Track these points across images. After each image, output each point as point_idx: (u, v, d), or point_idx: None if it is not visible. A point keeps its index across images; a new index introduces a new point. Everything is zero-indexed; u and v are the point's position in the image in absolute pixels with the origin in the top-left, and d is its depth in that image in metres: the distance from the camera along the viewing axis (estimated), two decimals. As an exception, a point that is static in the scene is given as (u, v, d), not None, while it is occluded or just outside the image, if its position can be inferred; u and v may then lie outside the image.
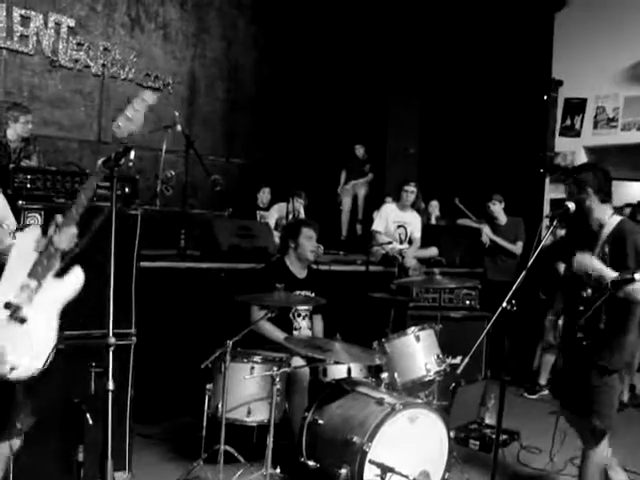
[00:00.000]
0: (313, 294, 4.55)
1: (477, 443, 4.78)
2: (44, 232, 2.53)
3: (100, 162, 2.57)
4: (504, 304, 3.11)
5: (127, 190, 4.04)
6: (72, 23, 7.99)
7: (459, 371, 3.16)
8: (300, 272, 4.70)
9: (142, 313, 3.96)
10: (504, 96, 8.81)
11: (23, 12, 7.63)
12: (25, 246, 2.54)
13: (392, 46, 9.86)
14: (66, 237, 2.48)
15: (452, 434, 3.69)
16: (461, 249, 7.04)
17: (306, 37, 9.71)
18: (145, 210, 6.66)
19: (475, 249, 7.05)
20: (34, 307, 2.43)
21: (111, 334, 1.92)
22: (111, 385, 1.87)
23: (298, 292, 4.48)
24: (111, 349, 1.90)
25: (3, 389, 2.50)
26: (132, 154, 2.50)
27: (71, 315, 2.72)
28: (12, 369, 2.28)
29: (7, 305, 2.38)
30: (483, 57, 9.13)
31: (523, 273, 3.14)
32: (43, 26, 7.78)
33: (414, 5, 9.61)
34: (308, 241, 4.67)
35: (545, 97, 8.55)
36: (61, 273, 2.55)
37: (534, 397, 6.43)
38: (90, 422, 3.23)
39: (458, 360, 5.50)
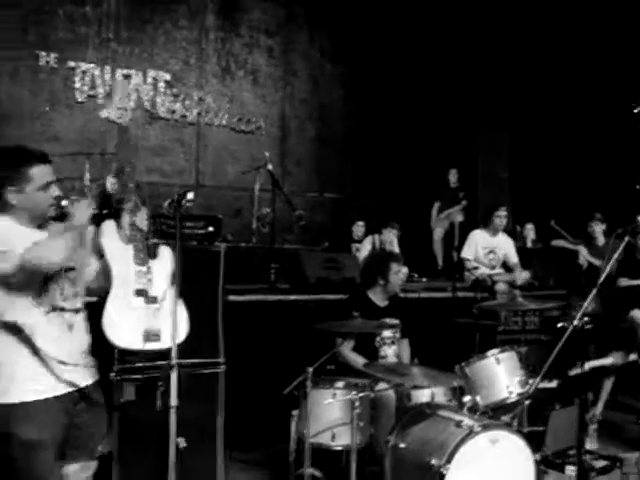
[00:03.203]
0: (394, 320, 4.60)
1: (574, 469, 4.62)
2: (117, 225, 2.78)
3: (166, 204, 2.82)
4: (575, 322, 3.08)
5: (211, 228, 4.28)
6: (168, 77, 8.63)
7: (530, 391, 3.11)
8: (382, 301, 4.77)
9: (236, 343, 4.17)
10: (597, 112, 8.59)
11: (125, 71, 8.32)
12: (111, 242, 2.80)
13: (481, 70, 9.87)
14: (141, 218, 2.73)
15: (538, 457, 3.62)
16: (555, 271, 6.87)
17: (390, 68, 9.92)
18: (238, 246, 7.07)
19: (571, 271, 6.86)
20: (155, 287, 2.72)
21: (174, 355, 2.11)
22: (174, 401, 2.04)
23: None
24: (173, 369, 2.08)
25: (95, 411, 2.75)
26: (190, 195, 2.72)
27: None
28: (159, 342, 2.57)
29: (139, 292, 2.69)
30: (573, 75, 8.97)
31: (594, 291, 3.10)
32: (142, 82, 8.43)
33: (503, 29, 9.60)
34: (397, 275, 4.73)
35: (636, 110, 8.26)
36: (152, 253, 2.83)
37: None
38: (182, 445, 3.43)
39: (554, 384, 5.39)
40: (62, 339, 2.67)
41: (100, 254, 2.79)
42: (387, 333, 4.68)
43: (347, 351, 4.45)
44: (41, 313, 2.62)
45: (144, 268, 2.82)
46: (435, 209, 9.98)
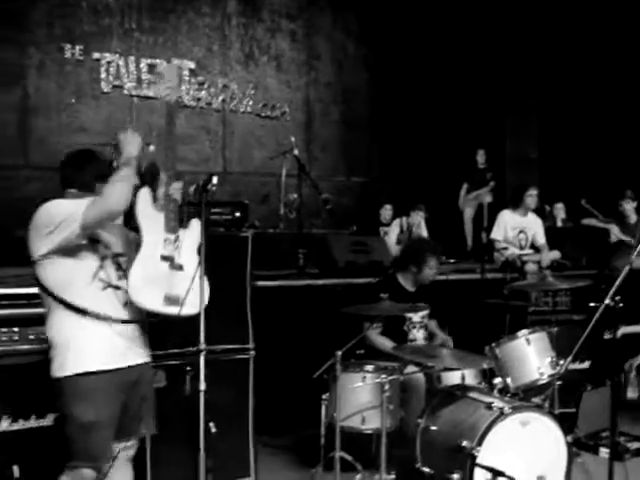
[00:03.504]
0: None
1: (608, 451, 4.57)
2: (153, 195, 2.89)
3: (192, 189, 2.85)
4: (607, 300, 3.04)
5: (238, 214, 4.29)
6: (192, 65, 8.66)
7: (561, 372, 3.08)
8: (411, 286, 4.74)
9: (265, 328, 4.19)
10: (627, 89, 8.42)
11: (149, 61, 8.37)
12: (144, 209, 2.88)
13: (508, 49, 9.71)
14: (176, 189, 2.83)
15: (570, 439, 3.60)
16: (587, 250, 6.77)
17: (414, 50, 9.82)
18: (266, 232, 7.09)
19: (602, 250, 6.76)
20: (182, 255, 2.81)
21: (202, 340, 2.14)
22: (202, 386, 2.07)
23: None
24: (202, 354, 2.11)
25: (147, 391, 2.86)
26: (214, 179, 2.73)
27: (188, 332, 2.99)
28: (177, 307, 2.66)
29: (164, 257, 2.77)
30: (602, 51, 8.78)
31: (626, 268, 3.05)
32: (167, 71, 8.46)
33: (530, 6, 9.44)
34: (430, 270, 4.69)
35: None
36: (183, 223, 2.93)
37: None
38: (213, 430, 3.47)
39: (586, 365, 5.34)
40: (118, 316, 2.77)
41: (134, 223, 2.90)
42: (416, 317, 4.66)
43: (374, 335, 4.46)
44: (98, 289, 2.74)
45: (173, 236, 2.87)
46: (463, 190, 9.87)
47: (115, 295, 2.80)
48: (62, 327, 2.73)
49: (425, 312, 4.60)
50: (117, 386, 2.77)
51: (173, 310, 2.72)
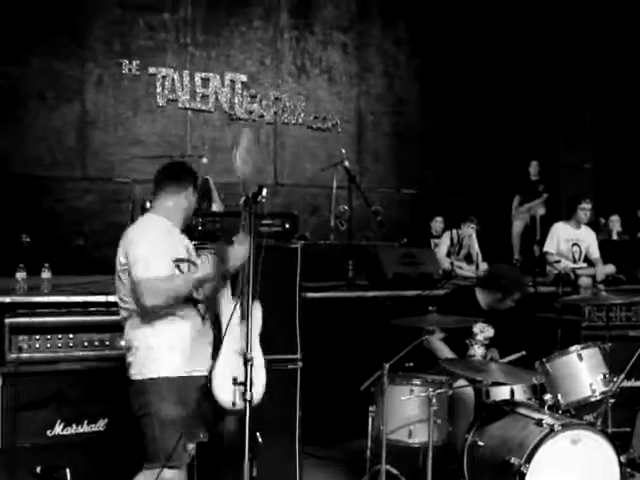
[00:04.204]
0: (491, 327, 4.49)
1: (664, 471, 4.42)
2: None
3: (241, 202, 2.89)
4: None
5: (287, 226, 4.32)
6: (245, 78, 8.82)
7: (614, 389, 3.00)
8: (485, 305, 4.63)
9: (314, 340, 4.22)
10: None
11: (203, 75, 8.57)
12: (226, 304, 3.06)
13: (560, 58, 9.58)
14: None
15: (623, 459, 3.50)
16: (644, 265, 6.58)
17: (467, 61, 9.75)
18: (317, 244, 7.12)
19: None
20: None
21: (250, 350, 2.19)
22: (249, 395, 2.12)
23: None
24: (249, 363, 2.17)
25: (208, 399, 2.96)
26: (264, 192, 2.77)
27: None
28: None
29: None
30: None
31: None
32: (220, 85, 8.66)
33: (585, 16, 9.29)
34: (511, 303, 4.61)
35: None
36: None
37: None
38: (260, 440, 3.50)
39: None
40: (195, 327, 3.00)
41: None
42: (480, 336, 4.59)
43: (435, 340, 4.42)
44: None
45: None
46: (516, 202, 9.73)
47: (195, 308, 3.04)
48: (146, 333, 2.93)
49: (490, 334, 4.51)
50: (192, 389, 2.95)
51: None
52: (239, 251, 2.96)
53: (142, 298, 2.81)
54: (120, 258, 2.97)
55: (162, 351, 2.92)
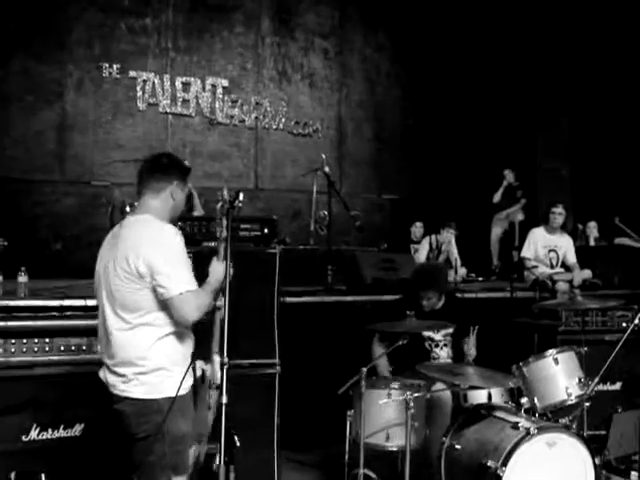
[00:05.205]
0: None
1: (639, 475, 4.48)
2: None
3: (218, 206, 2.88)
4: (637, 321, 3.00)
5: (266, 230, 4.33)
6: (226, 83, 8.83)
7: (589, 393, 3.04)
8: (436, 303, 4.70)
9: (292, 344, 4.22)
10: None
11: (184, 79, 8.57)
12: None
13: (538, 66, 9.70)
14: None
15: (599, 461, 3.54)
16: (620, 270, 6.67)
17: (446, 68, 9.85)
18: (296, 249, 7.13)
19: (636, 270, 6.65)
20: None
21: (225, 354, 2.20)
22: (225, 399, 2.12)
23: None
24: (225, 367, 2.17)
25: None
26: (241, 196, 2.77)
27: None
28: None
29: None
30: (634, 70, 8.70)
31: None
32: (201, 89, 8.65)
33: (561, 25, 9.41)
34: (428, 301, 4.57)
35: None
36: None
37: None
38: (237, 444, 3.49)
39: (617, 386, 5.24)
40: (188, 343, 2.92)
41: None
42: (438, 336, 4.62)
43: (375, 343, 4.52)
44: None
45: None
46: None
47: None
48: (162, 352, 2.81)
49: (448, 330, 4.55)
50: (191, 402, 2.95)
51: None
52: (217, 268, 2.89)
53: (181, 313, 2.73)
54: (124, 265, 2.75)
55: (175, 369, 2.82)
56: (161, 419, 2.69)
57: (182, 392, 2.79)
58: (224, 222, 2.91)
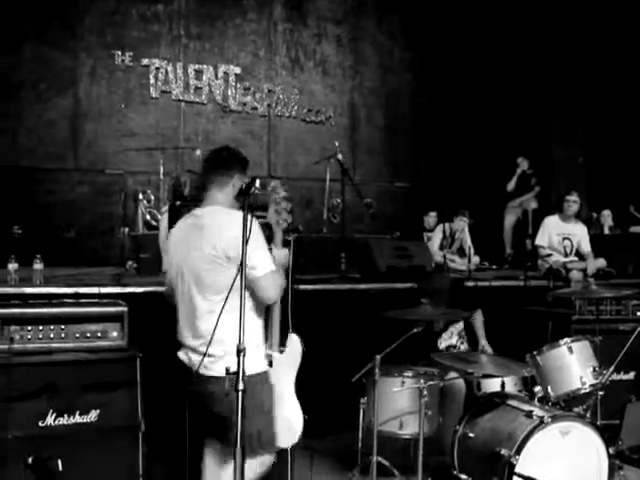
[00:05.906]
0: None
1: (653, 464, 4.46)
2: None
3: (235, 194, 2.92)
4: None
5: (280, 218, 4.31)
6: (238, 70, 8.82)
7: (604, 382, 3.03)
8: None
9: (306, 332, 4.22)
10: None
11: (197, 67, 8.56)
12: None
13: (552, 53, 9.59)
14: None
15: (612, 451, 3.53)
16: (634, 259, 6.62)
17: (460, 55, 9.75)
18: (309, 236, 7.13)
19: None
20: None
21: (241, 340, 2.21)
22: (241, 385, 2.14)
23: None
24: (242, 354, 2.19)
25: None
26: (257, 182, 2.77)
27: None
28: None
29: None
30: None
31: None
32: (214, 77, 8.65)
33: (576, 12, 9.31)
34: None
35: None
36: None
37: None
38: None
39: (631, 376, 5.21)
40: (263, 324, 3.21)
41: None
42: (453, 340, 4.64)
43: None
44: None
45: None
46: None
47: None
48: (253, 329, 3.04)
49: (459, 327, 4.56)
50: None
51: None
52: (279, 254, 3.16)
53: (266, 292, 2.96)
54: (212, 251, 2.90)
55: (260, 348, 3.09)
56: (253, 393, 2.80)
57: (265, 369, 3.05)
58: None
